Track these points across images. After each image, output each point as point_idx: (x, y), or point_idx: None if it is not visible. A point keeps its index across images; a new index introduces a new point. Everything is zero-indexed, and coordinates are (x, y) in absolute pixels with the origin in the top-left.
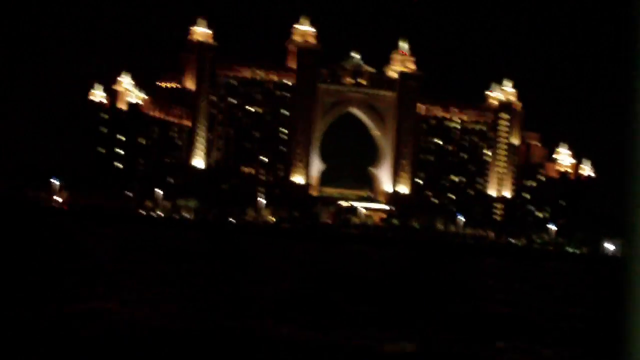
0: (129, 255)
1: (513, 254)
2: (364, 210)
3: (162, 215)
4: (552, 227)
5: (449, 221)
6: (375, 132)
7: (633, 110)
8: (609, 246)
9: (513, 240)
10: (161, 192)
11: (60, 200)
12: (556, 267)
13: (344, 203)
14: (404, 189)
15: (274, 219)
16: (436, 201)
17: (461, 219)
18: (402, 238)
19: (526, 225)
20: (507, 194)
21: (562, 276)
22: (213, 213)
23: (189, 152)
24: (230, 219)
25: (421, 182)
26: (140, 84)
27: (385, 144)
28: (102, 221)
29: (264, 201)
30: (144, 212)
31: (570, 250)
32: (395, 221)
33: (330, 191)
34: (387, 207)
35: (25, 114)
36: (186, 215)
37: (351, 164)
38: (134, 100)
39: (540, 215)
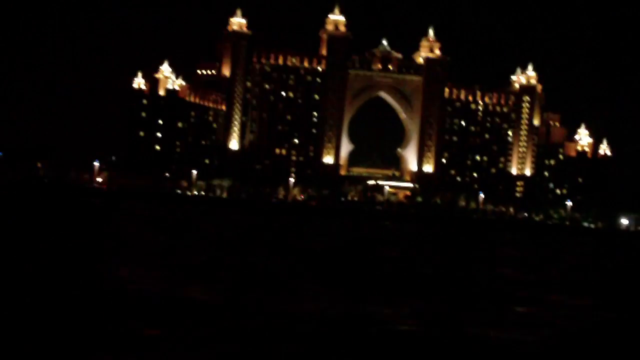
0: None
1: (531, 228)
2: (388, 188)
3: (196, 193)
4: (569, 203)
5: (471, 198)
6: (403, 115)
7: None
8: (624, 221)
9: (532, 216)
10: (195, 172)
11: (100, 180)
12: (570, 239)
13: (370, 182)
14: (429, 168)
15: (303, 197)
16: (459, 179)
17: (482, 195)
18: (425, 214)
19: (545, 201)
20: (528, 172)
21: (574, 247)
22: (246, 192)
23: (225, 135)
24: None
25: (445, 161)
26: (179, 72)
27: (412, 126)
28: (138, 200)
29: (293, 180)
30: (179, 191)
31: (586, 224)
32: (419, 198)
33: (359, 171)
34: (411, 185)
35: (73, 102)
36: (220, 193)
37: (379, 145)
38: (171, 87)
39: (559, 192)
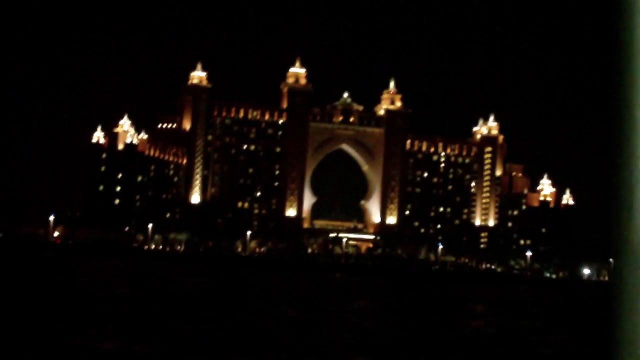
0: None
1: (491, 279)
2: (344, 241)
3: (153, 247)
4: (529, 254)
5: (432, 250)
6: (365, 167)
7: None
8: (586, 270)
9: (493, 267)
10: (151, 226)
11: (56, 235)
12: (530, 291)
13: (331, 235)
14: (392, 220)
15: (262, 250)
16: (423, 231)
17: (440, 247)
18: (384, 266)
19: (507, 252)
20: (491, 222)
21: (531, 298)
22: (204, 245)
23: (186, 189)
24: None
25: (408, 213)
26: (139, 125)
27: (375, 178)
28: (92, 254)
29: (249, 233)
30: (136, 245)
31: (548, 275)
32: (379, 250)
33: (322, 223)
34: (372, 237)
35: (31, 156)
36: (178, 247)
37: (342, 198)
38: (130, 141)
39: (522, 242)
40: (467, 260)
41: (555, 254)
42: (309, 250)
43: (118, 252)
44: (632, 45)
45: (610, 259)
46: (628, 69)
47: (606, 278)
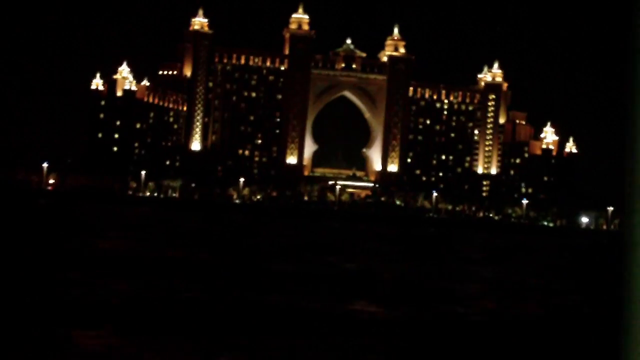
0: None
1: (487, 227)
2: (338, 188)
3: (147, 194)
4: (524, 202)
5: (430, 197)
6: (367, 114)
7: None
8: (584, 219)
9: (490, 215)
10: (143, 173)
11: (52, 182)
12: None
13: (330, 182)
14: (393, 167)
15: (257, 198)
16: (425, 179)
17: (435, 194)
18: (378, 214)
19: (505, 200)
20: (494, 171)
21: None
22: (199, 193)
23: (186, 136)
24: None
25: (410, 161)
26: (140, 73)
27: (377, 126)
28: (84, 201)
29: (242, 181)
30: (130, 193)
31: (545, 223)
32: (372, 199)
33: (322, 171)
34: (371, 185)
35: (29, 103)
36: (173, 194)
37: (344, 145)
38: (130, 88)
39: (524, 190)
40: (465, 208)
41: (555, 202)
42: (306, 198)
43: (112, 199)
44: None
45: (609, 208)
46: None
47: (604, 227)
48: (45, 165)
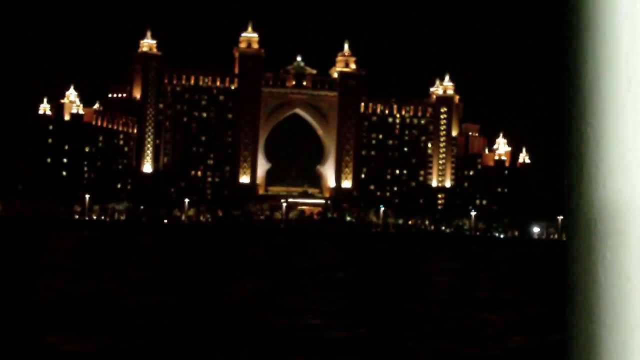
0: None
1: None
2: (284, 205)
3: (94, 217)
4: (473, 213)
5: (382, 212)
6: (320, 131)
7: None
8: (536, 229)
9: (441, 228)
10: (87, 197)
11: None
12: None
13: (283, 201)
14: (347, 184)
15: (207, 218)
16: (379, 194)
17: (382, 209)
18: (327, 230)
19: (459, 213)
20: (448, 184)
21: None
22: (146, 215)
23: (137, 158)
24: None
25: (364, 176)
26: (90, 96)
27: (330, 142)
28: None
29: (187, 201)
30: (77, 216)
31: (496, 234)
32: (319, 216)
33: (276, 189)
34: (321, 202)
35: None
36: (121, 217)
37: (297, 163)
38: (77, 112)
39: (478, 202)
40: (416, 222)
41: (507, 213)
42: (262, 217)
43: (58, 224)
44: (579, 12)
45: (559, 217)
46: (574, 35)
47: (555, 236)
48: None
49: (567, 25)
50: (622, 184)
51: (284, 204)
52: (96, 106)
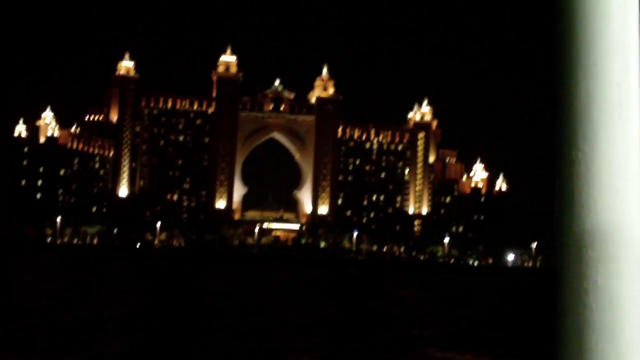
0: None
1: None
2: (256, 231)
3: (66, 241)
4: (446, 240)
5: (358, 238)
6: (297, 155)
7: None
8: (510, 256)
9: (415, 255)
10: (59, 219)
11: None
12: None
13: (259, 225)
14: (324, 209)
15: (180, 242)
16: (356, 219)
17: (355, 234)
18: (299, 255)
19: (434, 240)
20: (425, 210)
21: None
22: (120, 238)
23: (113, 182)
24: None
25: (341, 202)
26: (65, 118)
27: (307, 167)
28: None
29: (159, 225)
30: (49, 240)
31: (470, 262)
32: (303, 240)
33: (253, 214)
34: (297, 227)
35: None
36: (94, 240)
37: (274, 188)
38: (52, 134)
39: (454, 229)
40: (389, 249)
41: (482, 240)
42: (236, 242)
43: (25, 247)
44: (568, 31)
45: (533, 244)
46: (565, 61)
47: (529, 264)
48: None
49: (557, 51)
50: (613, 210)
51: (257, 229)
52: (73, 129)
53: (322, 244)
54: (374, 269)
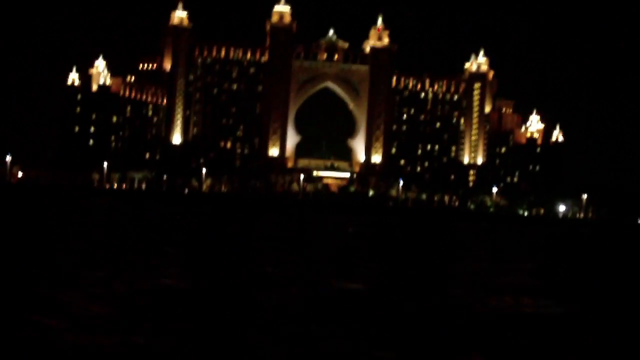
0: None
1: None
2: (301, 177)
3: (114, 186)
4: (494, 190)
5: (409, 187)
6: (351, 105)
7: None
8: (562, 208)
9: (465, 204)
10: (105, 165)
11: (20, 175)
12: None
13: (308, 173)
14: (377, 158)
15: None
16: (409, 169)
17: (401, 182)
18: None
19: (484, 190)
20: (480, 160)
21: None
22: (167, 184)
23: (167, 129)
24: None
25: (394, 151)
26: (118, 67)
27: (361, 116)
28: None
29: (205, 171)
30: (95, 185)
31: (520, 212)
32: (352, 188)
33: (305, 162)
34: (347, 176)
35: (4, 98)
36: (142, 185)
37: (328, 136)
38: (104, 82)
39: (509, 180)
40: (442, 198)
41: (535, 190)
42: (282, 189)
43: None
44: None
45: (584, 195)
46: None
47: (580, 215)
48: (8, 158)
49: None
50: None
51: (301, 176)
52: (127, 78)
53: (371, 193)
54: (417, 217)
